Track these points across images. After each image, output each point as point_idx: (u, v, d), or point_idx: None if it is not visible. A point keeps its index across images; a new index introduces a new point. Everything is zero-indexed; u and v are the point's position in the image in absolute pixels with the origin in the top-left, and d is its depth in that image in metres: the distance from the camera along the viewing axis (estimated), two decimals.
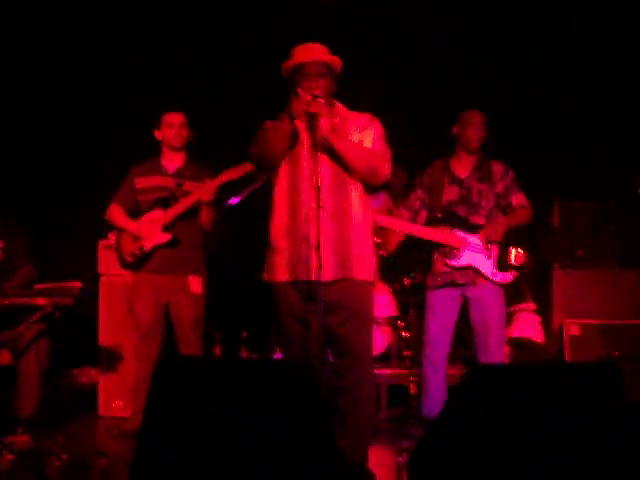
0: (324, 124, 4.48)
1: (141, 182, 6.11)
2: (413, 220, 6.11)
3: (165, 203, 5.96)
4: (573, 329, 6.94)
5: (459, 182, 6.04)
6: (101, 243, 6.97)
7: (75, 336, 6.96)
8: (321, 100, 4.45)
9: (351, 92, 4.80)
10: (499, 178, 6.02)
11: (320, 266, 4.24)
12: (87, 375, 7.34)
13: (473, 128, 6.01)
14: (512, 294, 7.04)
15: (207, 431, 3.22)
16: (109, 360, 6.85)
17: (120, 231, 6.13)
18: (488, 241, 5.88)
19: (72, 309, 5.72)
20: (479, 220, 5.96)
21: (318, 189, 4.30)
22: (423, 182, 6.16)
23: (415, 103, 7.90)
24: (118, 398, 6.81)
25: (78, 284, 5.65)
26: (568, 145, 7.77)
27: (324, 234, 4.33)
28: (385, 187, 5.22)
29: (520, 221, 6.01)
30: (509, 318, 7.19)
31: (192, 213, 5.92)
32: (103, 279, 6.93)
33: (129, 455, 3.36)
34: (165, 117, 6.12)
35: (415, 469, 3.45)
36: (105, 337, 6.88)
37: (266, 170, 4.71)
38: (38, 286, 5.76)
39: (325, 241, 4.35)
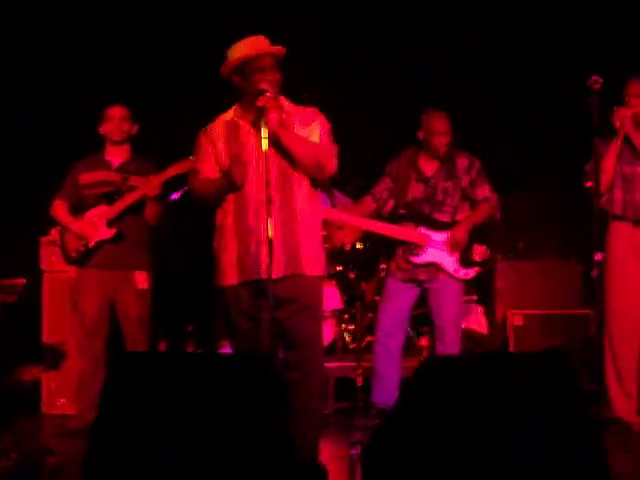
0: (273, 118, 4.44)
1: (85, 177, 6.08)
2: (379, 209, 6.14)
3: (110, 198, 5.92)
4: (516, 320, 7.01)
5: (425, 180, 6.08)
6: (43, 239, 6.89)
7: (18, 333, 6.89)
8: (269, 94, 4.43)
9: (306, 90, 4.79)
10: (464, 172, 6.06)
11: (270, 262, 4.22)
12: (30, 373, 7.25)
13: (439, 136, 6.01)
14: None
15: (160, 427, 3.20)
16: (53, 358, 6.78)
17: (64, 227, 6.06)
18: (454, 246, 5.93)
19: (15, 306, 5.67)
20: (443, 217, 6.03)
21: (267, 183, 4.28)
22: (391, 171, 6.18)
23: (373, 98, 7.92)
24: (62, 396, 6.74)
25: (22, 281, 5.61)
26: (508, 137, 7.84)
27: (273, 233, 4.31)
28: (330, 181, 5.24)
29: (484, 217, 6.09)
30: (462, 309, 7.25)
31: (137, 208, 5.90)
32: (46, 275, 6.85)
33: (77, 453, 3.33)
34: (106, 111, 6.09)
35: (369, 461, 3.46)
36: (49, 334, 6.82)
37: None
38: None
39: (275, 236, 4.33)
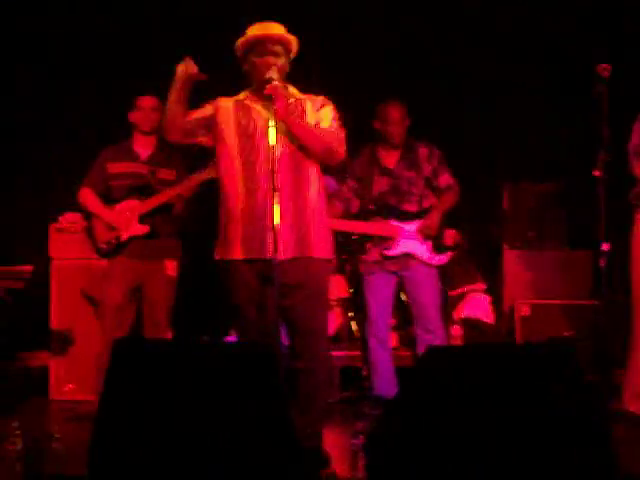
0: (280, 106, 4.45)
1: (113, 167, 6.08)
2: (347, 210, 6.17)
3: (141, 192, 5.93)
4: (524, 310, 7.00)
5: (388, 172, 6.11)
6: (52, 226, 6.90)
7: (26, 320, 6.92)
8: (275, 82, 4.44)
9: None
10: (426, 161, 6.10)
11: (276, 249, 4.23)
12: (38, 359, 7.28)
13: (394, 125, 6.05)
14: (462, 275, 7.12)
15: (164, 414, 3.22)
16: (60, 344, 6.80)
17: (93, 217, 6.08)
18: (425, 236, 5.96)
19: (23, 292, 5.69)
20: (411, 207, 6.07)
21: (273, 172, 4.29)
22: (353, 171, 6.18)
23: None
24: (69, 382, 6.77)
25: (30, 268, 5.63)
26: (516, 126, 7.81)
27: (282, 217, 4.32)
28: (340, 166, 5.25)
29: (450, 204, 6.12)
30: (460, 299, 7.26)
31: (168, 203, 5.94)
32: (54, 262, 6.86)
33: (84, 439, 3.35)
34: (138, 100, 6.09)
35: (371, 451, 3.47)
36: (56, 321, 6.82)
37: (182, 143, 4.71)
38: None
39: (282, 222, 4.34)
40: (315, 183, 4.65)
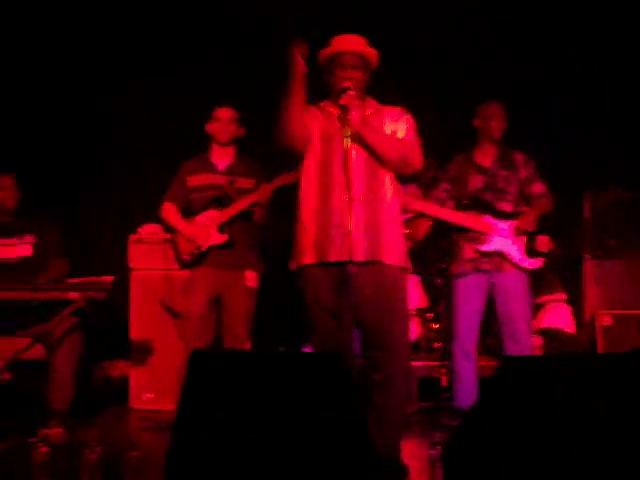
0: (355, 116, 4.48)
1: (193, 180, 6.12)
2: None
3: (219, 202, 5.97)
4: (605, 320, 6.90)
5: (484, 170, 6.09)
6: (131, 237, 7.00)
7: (106, 330, 7.00)
8: (351, 92, 4.45)
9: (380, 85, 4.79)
10: (522, 166, 6.08)
11: (350, 254, 4.25)
12: (118, 368, 7.36)
13: (496, 120, 6.06)
14: (542, 284, 7.04)
15: (241, 424, 3.23)
16: (140, 353, 6.87)
17: (175, 230, 6.15)
18: (521, 232, 5.90)
19: (104, 303, 5.75)
20: (506, 206, 6.01)
21: (349, 181, 4.30)
22: (448, 174, 6.19)
23: (438, 95, 7.86)
24: (149, 391, 6.84)
25: (110, 278, 5.67)
26: (598, 134, 7.72)
27: (355, 222, 4.33)
28: (416, 176, 5.23)
29: (544, 210, 6.06)
30: (539, 308, 7.19)
31: (247, 211, 5.95)
32: (134, 273, 6.96)
33: (162, 448, 3.37)
34: (215, 111, 6.12)
35: (449, 462, 3.45)
36: (136, 330, 6.91)
37: (292, 148, 4.69)
38: (70, 280, 5.79)
39: (356, 229, 4.35)
40: (390, 191, 4.65)
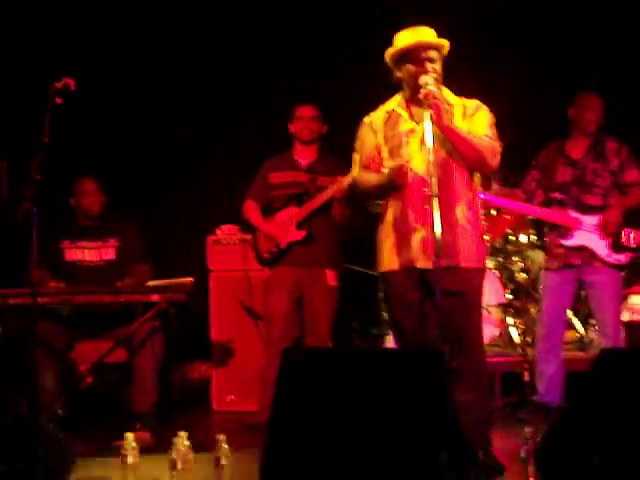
0: (436, 112, 4.39)
1: (275, 177, 6.15)
2: (529, 201, 6.12)
3: (299, 200, 5.99)
4: None
5: (573, 163, 6.04)
6: (210, 238, 7.02)
7: (188, 331, 7.04)
8: (433, 88, 4.40)
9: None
10: (614, 155, 6.00)
11: (438, 255, 4.20)
12: (199, 370, 7.40)
13: (590, 111, 6.00)
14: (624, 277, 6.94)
15: (334, 422, 3.22)
16: (221, 355, 6.90)
17: (255, 228, 6.18)
18: (605, 233, 5.83)
19: (184, 305, 5.78)
20: (594, 200, 5.97)
21: (431, 178, 4.25)
22: (538, 163, 6.18)
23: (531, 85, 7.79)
24: (231, 392, 6.86)
25: (190, 280, 5.71)
26: None
27: (435, 227, 4.30)
28: (493, 175, 5.18)
29: (636, 201, 5.98)
30: (622, 301, 7.09)
31: (327, 208, 5.96)
32: (213, 274, 6.98)
33: (251, 449, 3.38)
34: (297, 110, 6.13)
35: (544, 456, 3.41)
36: (217, 332, 6.94)
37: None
38: (151, 283, 5.83)
39: (436, 234, 4.33)
40: (466, 191, 4.60)
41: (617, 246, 5.89)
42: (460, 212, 4.55)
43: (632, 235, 5.91)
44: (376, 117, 4.69)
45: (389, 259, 4.61)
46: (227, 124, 7.91)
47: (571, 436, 3.22)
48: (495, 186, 6.83)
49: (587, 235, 5.89)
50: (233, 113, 7.93)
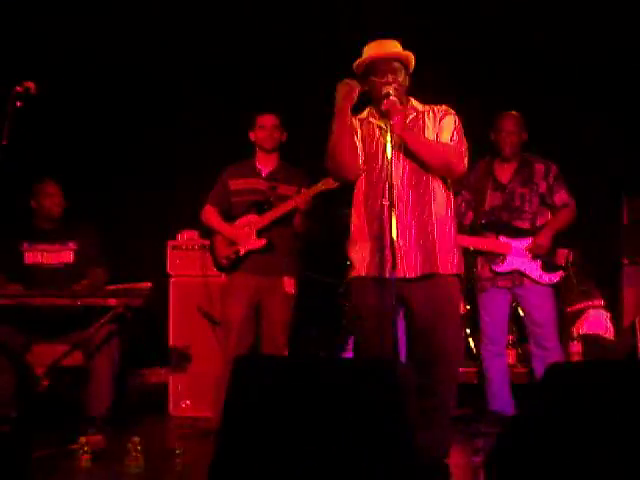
0: (397, 122, 4.46)
1: (235, 184, 6.14)
2: (460, 223, 6.07)
3: (260, 207, 5.98)
4: None
5: (502, 187, 6.07)
6: (169, 243, 7.01)
7: (145, 336, 7.02)
8: (393, 98, 4.43)
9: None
10: (541, 177, 6.02)
11: (394, 265, 4.22)
12: (157, 375, 7.38)
13: (507, 135, 6.00)
14: (581, 291, 6.99)
15: (284, 430, 3.22)
16: (179, 360, 6.88)
17: (215, 233, 6.16)
18: (535, 255, 5.89)
19: (142, 309, 5.77)
20: (523, 224, 6.02)
21: (391, 187, 4.28)
22: (469, 183, 6.10)
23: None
24: (188, 398, 6.84)
25: (148, 285, 5.70)
26: (636, 137, 7.67)
27: (401, 232, 4.32)
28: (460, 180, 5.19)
29: (565, 223, 6.04)
30: (579, 315, 7.14)
31: (286, 217, 5.95)
32: (172, 280, 6.96)
33: (203, 455, 3.37)
34: (258, 118, 6.12)
35: (492, 468, 3.42)
36: (175, 337, 6.91)
37: (346, 177, 4.70)
38: (109, 287, 5.83)
39: (403, 239, 4.35)
40: (440, 198, 4.63)
41: (549, 266, 5.95)
42: (434, 219, 4.58)
43: (565, 254, 5.96)
44: (354, 123, 4.69)
45: (358, 266, 4.63)
46: (188, 129, 7.90)
47: (519, 447, 3.24)
48: None
49: (519, 259, 5.95)
50: (194, 119, 7.92)
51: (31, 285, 5.91)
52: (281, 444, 3.19)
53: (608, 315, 7.25)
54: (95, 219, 6.63)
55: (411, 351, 4.66)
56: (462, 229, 6.09)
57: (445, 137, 4.63)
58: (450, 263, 4.59)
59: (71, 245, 6.21)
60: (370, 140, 4.64)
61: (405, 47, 4.66)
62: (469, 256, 6.42)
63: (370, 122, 4.68)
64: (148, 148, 7.88)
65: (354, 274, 4.64)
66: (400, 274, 4.36)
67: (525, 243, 5.95)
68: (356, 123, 4.69)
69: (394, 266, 4.22)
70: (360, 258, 4.61)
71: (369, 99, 4.72)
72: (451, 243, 4.63)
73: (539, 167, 6.04)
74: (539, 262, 5.95)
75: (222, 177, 6.19)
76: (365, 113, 4.74)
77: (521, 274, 5.97)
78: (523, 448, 3.20)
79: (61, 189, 6.27)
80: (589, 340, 6.98)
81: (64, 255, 6.19)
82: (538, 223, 6.02)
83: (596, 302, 7.24)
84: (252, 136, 6.14)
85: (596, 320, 7.21)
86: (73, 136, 7.73)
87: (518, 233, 5.98)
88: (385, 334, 4.43)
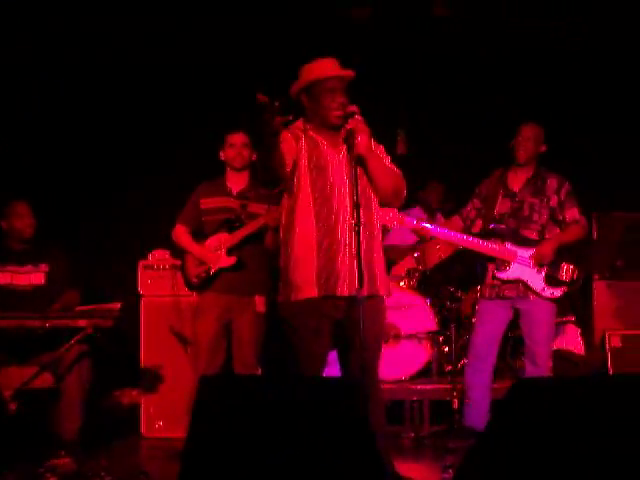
0: (362, 141, 4.44)
1: (206, 202, 6.13)
2: (467, 229, 6.16)
3: (230, 226, 5.97)
4: (614, 340, 6.89)
5: (512, 195, 6.07)
6: (141, 263, 7.00)
7: (116, 357, 6.99)
8: (358, 117, 4.43)
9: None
10: (553, 192, 6.02)
11: (361, 283, 4.21)
12: (128, 396, 7.34)
13: (522, 140, 6.02)
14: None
15: (251, 449, 3.22)
16: (151, 381, 6.85)
17: (185, 252, 6.15)
18: (538, 264, 5.88)
19: (113, 330, 5.75)
20: (530, 234, 5.99)
21: (358, 206, 4.27)
22: (480, 192, 6.20)
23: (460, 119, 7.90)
24: (160, 419, 6.82)
25: (118, 305, 5.68)
26: (606, 155, 7.73)
27: (360, 255, 4.30)
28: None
29: (573, 237, 6.02)
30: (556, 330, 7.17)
31: (257, 235, 5.94)
32: (144, 299, 6.95)
33: (173, 476, 3.36)
34: (227, 137, 6.12)
35: None
36: (147, 358, 6.90)
37: (275, 180, 4.63)
38: (79, 308, 5.80)
39: (361, 262, 4.34)
40: (377, 219, 4.67)
41: (552, 280, 5.94)
42: (376, 241, 4.62)
43: (571, 270, 5.96)
44: (296, 134, 4.63)
45: (306, 285, 4.53)
46: (159, 150, 7.90)
47: (487, 463, 3.25)
48: (421, 214, 6.93)
49: (523, 268, 5.92)
50: (165, 139, 7.93)
51: (1, 307, 5.87)
52: (245, 463, 3.18)
53: (578, 330, 7.29)
54: (66, 239, 6.63)
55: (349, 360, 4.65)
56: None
57: (386, 163, 4.67)
58: (385, 285, 4.65)
59: (43, 267, 6.17)
60: (318, 156, 4.58)
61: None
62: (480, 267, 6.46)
63: (315, 138, 4.62)
64: (119, 168, 7.88)
65: (305, 295, 4.53)
66: (354, 292, 4.33)
67: (530, 252, 5.93)
68: (300, 137, 4.62)
69: (361, 284, 4.22)
70: (310, 276, 4.52)
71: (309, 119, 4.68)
72: (384, 264, 4.69)
73: (552, 181, 6.04)
74: (543, 275, 5.94)
75: (193, 196, 6.18)
76: (300, 126, 4.66)
77: (525, 285, 5.95)
78: (490, 464, 3.21)
79: (32, 210, 6.23)
80: (560, 356, 7.02)
81: (35, 277, 6.16)
82: (547, 236, 6.01)
83: (567, 317, 7.29)
84: (222, 155, 6.14)
85: (567, 335, 7.25)
86: (44, 157, 7.71)
87: (525, 242, 5.96)
88: (350, 355, 4.50)
